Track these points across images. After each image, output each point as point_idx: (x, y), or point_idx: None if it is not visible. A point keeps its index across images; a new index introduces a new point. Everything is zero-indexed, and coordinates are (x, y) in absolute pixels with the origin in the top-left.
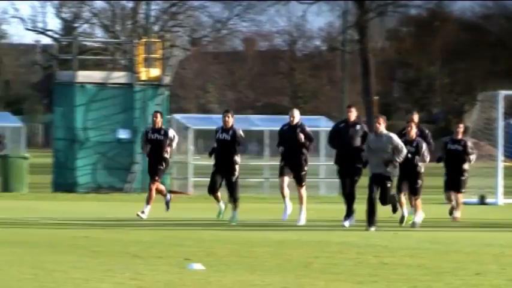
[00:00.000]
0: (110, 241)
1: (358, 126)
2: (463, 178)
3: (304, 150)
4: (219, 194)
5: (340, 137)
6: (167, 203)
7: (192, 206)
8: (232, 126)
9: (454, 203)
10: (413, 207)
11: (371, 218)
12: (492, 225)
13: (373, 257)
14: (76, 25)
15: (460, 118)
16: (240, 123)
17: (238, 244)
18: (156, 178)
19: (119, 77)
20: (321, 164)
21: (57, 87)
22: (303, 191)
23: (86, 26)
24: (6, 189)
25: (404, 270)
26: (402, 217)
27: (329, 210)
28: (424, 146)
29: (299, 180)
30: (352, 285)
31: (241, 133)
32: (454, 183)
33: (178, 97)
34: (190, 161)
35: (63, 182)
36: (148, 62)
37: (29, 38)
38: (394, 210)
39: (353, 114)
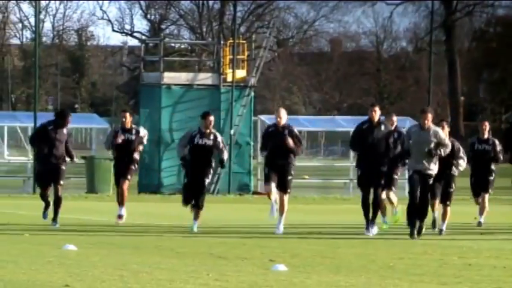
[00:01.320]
0: (195, 242)
1: (383, 127)
2: (491, 178)
3: (291, 155)
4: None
5: (363, 139)
6: (120, 216)
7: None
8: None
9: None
10: (442, 215)
11: (412, 218)
12: None
13: (458, 258)
14: (163, 26)
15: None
16: (326, 124)
17: (322, 245)
18: (129, 177)
19: (205, 78)
20: None
21: (144, 88)
22: (287, 199)
23: (172, 27)
24: (91, 190)
25: (489, 272)
26: (434, 221)
27: None
28: (459, 146)
29: (284, 187)
30: (436, 286)
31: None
32: (481, 184)
33: (264, 98)
34: None
35: (149, 183)
36: (235, 64)
37: (116, 39)
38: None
39: (377, 114)
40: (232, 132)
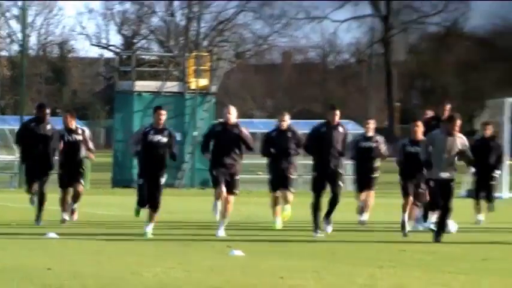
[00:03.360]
0: (162, 231)
1: (340, 129)
2: (373, 176)
3: (240, 154)
4: None
5: (321, 142)
6: (72, 210)
7: (237, 200)
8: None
9: (361, 203)
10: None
11: (442, 226)
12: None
13: (394, 244)
14: (135, 40)
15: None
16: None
17: (276, 235)
18: (82, 181)
19: (172, 86)
20: (345, 162)
21: (118, 95)
22: (233, 200)
23: (143, 41)
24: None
25: (420, 256)
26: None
27: (353, 203)
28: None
29: (232, 188)
30: (374, 269)
31: None
32: (365, 182)
33: (223, 104)
34: None
35: (121, 179)
36: (198, 73)
37: (94, 52)
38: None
39: (337, 117)
40: (195, 133)
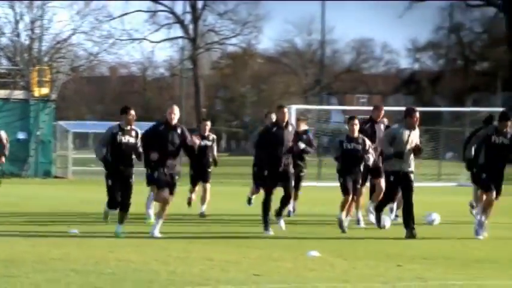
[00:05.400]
0: (16, 213)
1: (290, 127)
2: (209, 170)
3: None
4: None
5: (272, 141)
6: None
7: (72, 188)
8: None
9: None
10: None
11: (409, 220)
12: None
13: (211, 223)
14: None
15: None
16: (106, 126)
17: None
18: None
19: (19, 94)
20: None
21: None
22: (171, 200)
23: None
24: None
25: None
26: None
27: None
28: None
29: (173, 189)
30: (187, 244)
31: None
32: (201, 175)
33: (61, 109)
34: (70, 155)
35: None
36: (40, 84)
37: None
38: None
39: (286, 116)
40: (38, 133)
